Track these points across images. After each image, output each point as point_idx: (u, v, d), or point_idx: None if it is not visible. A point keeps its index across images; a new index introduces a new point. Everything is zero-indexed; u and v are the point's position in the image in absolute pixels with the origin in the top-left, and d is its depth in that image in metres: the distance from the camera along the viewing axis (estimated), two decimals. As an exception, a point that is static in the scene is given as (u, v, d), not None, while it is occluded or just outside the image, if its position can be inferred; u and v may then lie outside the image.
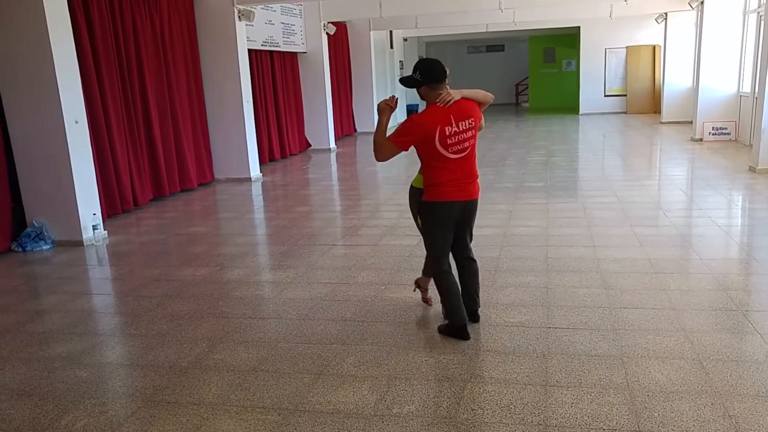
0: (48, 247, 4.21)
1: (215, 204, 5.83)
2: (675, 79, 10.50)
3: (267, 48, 7.85)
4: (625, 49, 12.77)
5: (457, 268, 2.55)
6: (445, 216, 2.37)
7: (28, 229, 4.23)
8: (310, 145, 9.25)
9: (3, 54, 4.05)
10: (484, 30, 11.88)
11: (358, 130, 11.39)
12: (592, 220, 4.30)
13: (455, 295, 2.42)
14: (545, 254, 3.52)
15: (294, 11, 8.60)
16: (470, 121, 2.32)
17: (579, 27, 12.84)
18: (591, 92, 13.09)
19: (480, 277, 3.10)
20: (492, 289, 2.98)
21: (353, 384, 2.13)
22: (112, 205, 5.07)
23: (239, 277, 3.41)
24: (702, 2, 8.28)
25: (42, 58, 3.97)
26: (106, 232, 4.47)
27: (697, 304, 2.71)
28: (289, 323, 2.70)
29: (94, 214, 4.35)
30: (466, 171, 2.36)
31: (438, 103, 2.28)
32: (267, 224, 4.99)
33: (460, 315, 2.42)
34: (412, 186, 2.54)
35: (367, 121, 11.28)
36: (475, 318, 2.57)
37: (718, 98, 8.22)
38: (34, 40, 3.95)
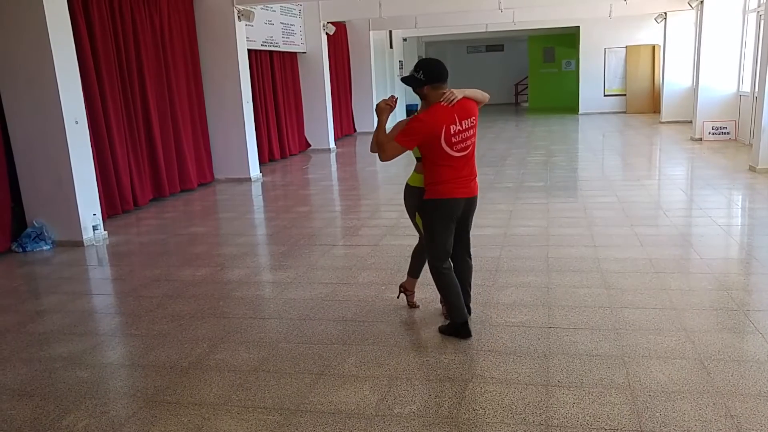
0: (48, 247, 4.21)
1: (215, 204, 5.83)
2: (674, 79, 10.50)
3: (267, 48, 7.85)
4: (624, 49, 12.77)
5: (454, 264, 2.56)
6: (450, 213, 2.39)
7: (29, 230, 4.23)
8: (310, 145, 9.25)
9: (3, 54, 4.04)
10: (484, 30, 11.88)
11: (358, 130, 11.39)
12: (593, 220, 4.30)
13: (456, 294, 2.43)
14: (546, 254, 3.52)
15: (293, 11, 8.60)
16: (472, 119, 2.36)
17: (578, 27, 12.85)
18: (590, 92, 13.09)
19: (481, 277, 3.14)
20: (493, 289, 2.98)
21: (354, 384, 2.13)
22: (112, 206, 5.07)
23: (240, 278, 3.41)
24: (702, 2, 8.29)
25: (42, 58, 3.96)
26: (106, 232, 4.47)
27: (698, 303, 2.71)
28: (289, 323, 2.70)
29: (95, 215, 4.35)
30: (468, 168, 2.40)
31: (442, 102, 2.30)
32: (267, 224, 4.99)
33: (461, 312, 2.44)
34: (408, 185, 2.53)
35: (366, 121, 11.28)
36: (468, 312, 2.59)
37: (718, 98, 8.22)
38: (34, 41, 3.95)
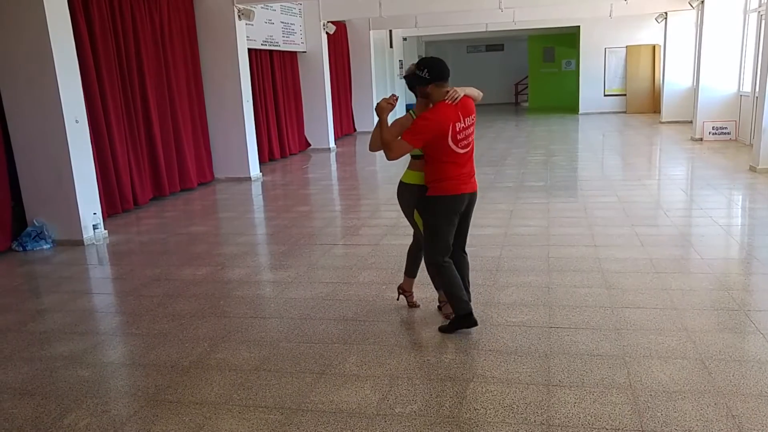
0: (48, 246, 4.21)
1: (215, 203, 5.83)
2: (675, 79, 10.50)
3: (267, 47, 7.84)
4: (624, 49, 12.77)
5: (453, 259, 2.57)
6: (455, 209, 2.43)
7: (29, 229, 4.23)
8: (310, 145, 9.24)
9: (3, 53, 4.04)
10: (484, 29, 11.88)
11: (358, 129, 11.38)
12: (593, 220, 4.30)
13: (458, 286, 2.45)
14: (546, 254, 3.52)
15: (293, 10, 8.59)
16: (472, 117, 2.42)
17: (579, 26, 12.84)
18: (590, 92, 13.09)
19: (481, 277, 3.14)
20: (493, 289, 2.98)
21: (355, 383, 2.13)
22: (112, 205, 5.06)
23: (240, 277, 3.41)
24: (702, 1, 8.28)
25: (42, 57, 3.96)
26: (106, 231, 4.47)
27: (698, 303, 2.71)
28: (290, 323, 2.70)
29: (95, 214, 4.34)
30: (470, 165, 2.46)
31: (446, 101, 2.33)
32: (267, 224, 4.99)
33: (464, 304, 2.45)
34: (404, 183, 2.53)
35: (366, 120, 11.27)
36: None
37: (719, 98, 8.22)
38: (35, 40, 3.94)
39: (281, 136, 8.40)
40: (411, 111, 2.49)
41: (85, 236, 4.24)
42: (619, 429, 1.79)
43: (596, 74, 13.01)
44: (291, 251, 3.89)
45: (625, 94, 12.97)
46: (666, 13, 10.37)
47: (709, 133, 8.18)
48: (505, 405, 1.95)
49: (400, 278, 2.93)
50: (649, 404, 1.91)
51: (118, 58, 5.18)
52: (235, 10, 6.39)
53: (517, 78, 17.40)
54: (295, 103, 8.84)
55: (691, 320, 2.52)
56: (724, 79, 8.21)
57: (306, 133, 9.22)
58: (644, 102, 12.79)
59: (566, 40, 15.13)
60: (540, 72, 15.92)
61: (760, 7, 7.46)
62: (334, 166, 7.96)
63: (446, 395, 2.03)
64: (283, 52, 8.43)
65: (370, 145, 2.49)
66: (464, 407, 1.95)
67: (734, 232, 4.06)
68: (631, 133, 9.69)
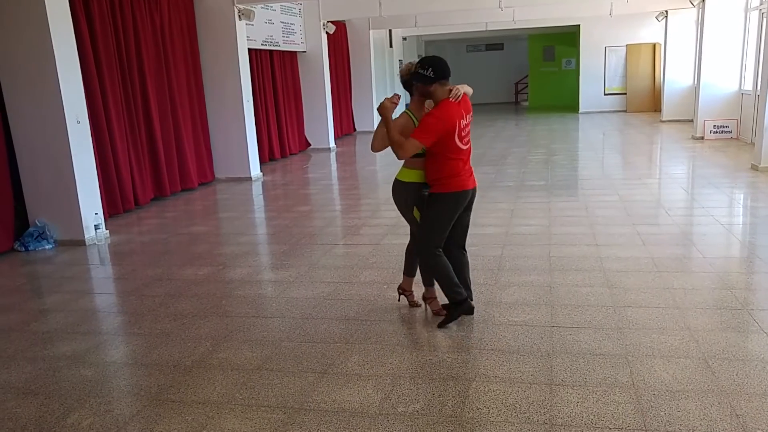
0: (50, 246, 4.21)
1: (216, 203, 5.83)
2: (675, 77, 10.50)
3: (267, 47, 7.84)
4: (625, 48, 12.75)
5: (451, 256, 2.60)
6: (460, 204, 2.48)
7: (31, 229, 4.23)
8: (310, 145, 9.24)
9: (4, 53, 4.04)
10: (484, 29, 11.87)
11: (358, 129, 11.38)
12: (595, 219, 4.30)
13: (451, 275, 2.48)
14: (548, 253, 3.52)
15: (293, 10, 8.59)
16: (471, 113, 2.48)
17: (579, 25, 12.83)
18: (591, 91, 13.08)
19: (483, 276, 3.14)
20: (495, 288, 2.98)
21: (358, 383, 2.13)
22: (113, 205, 5.07)
23: (241, 277, 3.41)
24: (703, 0, 8.27)
25: (43, 57, 3.96)
26: (107, 231, 4.47)
27: (701, 302, 2.71)
28: (292, 322, 2.70)
29: (96, 214, 4.35)
30: (469, 160, 2.51)
31: (451, 99, 2.37)
32: (268, 223, 4.99)
33: (460, 291, 2.49)
34: (401, 182, 2.53)
35: (366, 120, 11.26)
36: (471, 309, 2.62)
37: (720, 96, 8.21)
38: (36, 39, 3.94)
39: (281, 136, 8.40)
40: (407, 111, 2.49)
41: (86, 236, 4.24)
42: (622, 428, 1.79)
43: (596, 73, 13.00)
44: (292, 251, 3.89)
45: (625, 93, 12.96)
46: (666, 11, 10.36)
47: (710, 131, 8.17)
48: (508, 404, 1.95)
49: (401, 278, 2.93)
50: (652, 403, 1.91)
51: (118, 59, 5.18)
52: (236, 10, 6.39)
53: (517, 77, 17.39)
54: (295, 102, 8.83)
55: (693, 319, 2.52)
56: (725, 77, 8.20)
57: (306, 133, 9.22)
58: (645, 101, 12.78)
59: (566, 39, 15.12)
60: (540, 71, 15.91)
61: (761, 5, 7.45)
62: (334, 166, 7.96)
63: (449, 394, 2.03)
64: (283, 51, 8.42)
65: (373, 146, 2.49)
66: (467, 406, 1.95)
67: (736, 230, 4.05)
68: (632, 132, 9.68)
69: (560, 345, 2.33)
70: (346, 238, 4.24)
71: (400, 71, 2.56)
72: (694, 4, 8.58)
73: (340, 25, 10.37)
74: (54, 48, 3.95)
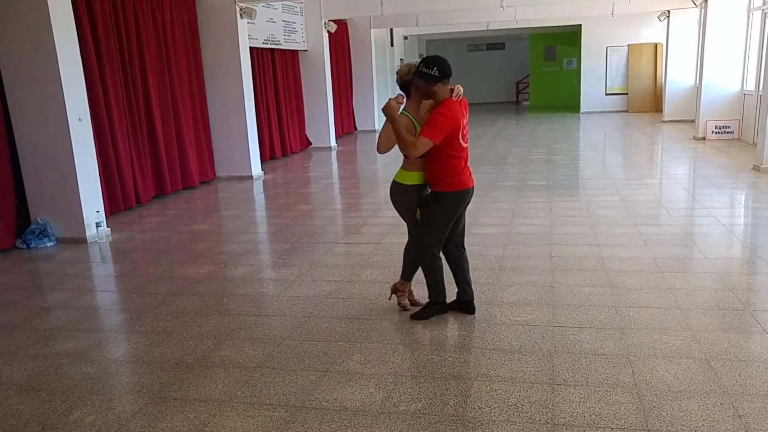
0: (52, 244, 4.21)
1: (217, 202, 5.83)
2: (677, 78, 10.48)
3: (268, 46, 7.83)
4: (626, 47, 12.73)
5: (451, 257, 2.63)
6: (461, 203, 2.52)
7: (32, 226, 4.23)
8: (311, 143, 9.24)
9: (7, 51, 4.04)
10: (485, 28, 11.85)
11: (359, 128, 11.37)
12: (596, 219, 4.29)
13: (443, 278, 2.60)
14: (549, 253, 3.52)
15: (295, 9, 8.58)
16: (468, 113, 2.52)
17: (580, 25, 12.81)
18: (592, 91, 13.07)
19: (484, 276, 3.14)
20: (497, 288, 2.98)
21: (359, 381, 2.13)
22: (114, 203, 5.07)
23: (243, 275, 3.41)
24: (706, 0, 8.25)
25: (46, 55, 3.96)
26: (109, 229, 4.47)
27: (703, 303, 2.71)
28: (293, 320, 2.70)
29: (98, 212, 4.35)
30: (468, 159, 2.55)
31: (453, 97, 2.40)
32: (269, 222, 4.99)
33: (444, 294, 2.63)
34: (402, 184, 2.52)
35: (367, 119, 11.26)
36: (473, 309, 2.64)
37: (722, 96, 8.20)
38: (38, 37, 3.94)
39: (282, 135, 8.40)
40: (404, 112, 2.49)
41: (88, 234, 4.24)
42: (624, 428, 1.79)
43: (598, 73, 12.99)
44: (293, 249, 3.89)
45: (626, 93, 12.95)
46: (668, 11, 10.34)
47: (712, 132, 8.16)
48: (510, 404, 1.95)
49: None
50: (654, 404, 1.91)
51: (120, 57, 5.17)
52: (237, 9, 6.38)
53: (518, 77, 17.37)
54: (296, 101, 8.83)
55: (695, 320, 2.52)
56: (727, 77, 8.19)
57: (307, 132, 9.21)
58: (646, 101, 12.76)
59: (568, 38, 15.10)
60: (541, 71, 15.89)
61: (764, 5, 7.44)
62: (335, 165, 7.95)
63: (450, 394, 2.03)
64: (285, 50, 8.42)
65: (379, 147, 2.48)
66: (469, 406, 1.95)
67: (738, 231, 4.04)
68: (633, 132, 9.67)
69: (562, 345, 2.33)
70: (347, 236, 4.24)
71: (397, 71, 2.54)
72: (697, 4, 8.56)
73: (342, 24, 10.36)
74: (56, 46, 3.95)
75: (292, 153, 8.65)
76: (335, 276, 3.32)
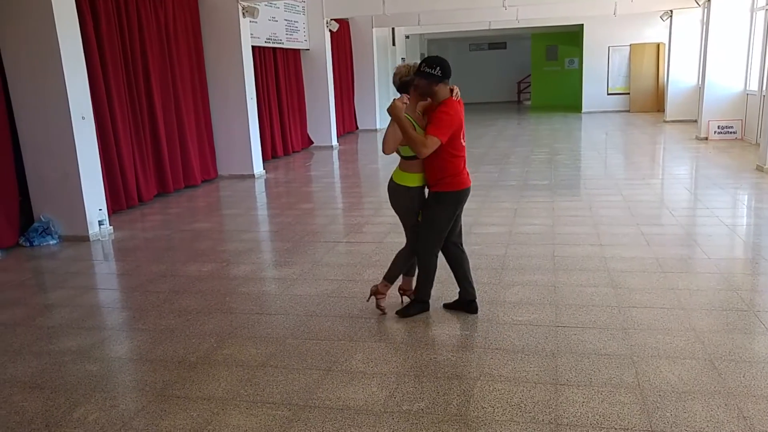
0: (55, 242, 4.22)
1: (219, 200, 5.83)
2: (680, 77, 10.46)
3: (270, 45, 7.83)
4: (628, 47, 12.71)
5: (451, 256, 2.65)
6: (461, 202, 2.55)
7: (35, 224, 4.24)
8: (313, 142, 9.24)
9: (11, 49, 4.04)
10: (487, 27, 11.83)
11: (360, 127, 11.37)
12: (598, 219, 4.29)
13: (434, 278, 2.64)
14: (552, 252, 3.51)
15: (297, 8, 8.57)
16: (463, 113, 2.55)
17: (582, 25, 12.79)
18: (594, 90, 13.05)
19: (487, 276, 3.13)
20: (499, 288, 2.98)
21: (362, 380, 2.13)
22: (116, 201, 5.07)
23: (245, 273, 3.42)
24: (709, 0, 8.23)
25: (49, 53, 3.96)
26: (111, 227, 4.47)
27: (707, 303, 2.70)
28: (296, 319, 2.70)
29: (100, 210, 4.35)
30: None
31: (453, 97, 2.43)
32: (271, 221, 4.99)
33: (430, 291, 2.67)
34: (403, 186, 2.52)
35: (369, 118, 11.25)
36: (476, 308, 2.66)
37: (725, 96, 8.18)
38: (42, 36, 3.95)
39: (284, 134, 8.40)
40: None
41: (90, 232, 4.25)
42: (628, 429, 1.79)
43: (599, 73, 12.96)
44: (295, 248, 3.89)
45: (628, 93, 12.92)
46: (671, 11, 10.31)
47: (715, 132, 8.14)
48: (513, 404, 1.95)
49: (401, 279, 2.92)
50: (658, 404, 1.91)
51: (123, 55, 5.18)
52: (240, 8, 6.38)
53: (520, 76, 17.34)
54: (298, 100, 8.83)
55: (699, 320, 2.51)
56: (730, 77, 8.16)
57: (309, 131, 9.21)
58: (648, 101, 12.73)
59: (569, 38, 15.07)
60: (543, 70, 15.87)
61: (767, 4, 7.40)
62: (336, 164, 7.95)
63: (453, 393, 2.03)
64: (287, 49, 8.41)
65: (385, 148, 2.47)
66: (472, 405, 1.95)
67: (741, 232, 4.04)
68: (635, 132, 9.65)
69: (565, 345, 2.33)
70: (348, 235, 4.24)
71: (395, 72, 2.52)
72: (700, 3, 8.54)
73: (344, 23, 10.35)
74: (60, 44, 3.95)
75: (293, 152, 8.65)
76: (337, 275, 3.32)
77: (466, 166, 2.54)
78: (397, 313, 2.66)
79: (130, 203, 5.24)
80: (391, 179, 2.58)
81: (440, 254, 2.62)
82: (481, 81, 16.94)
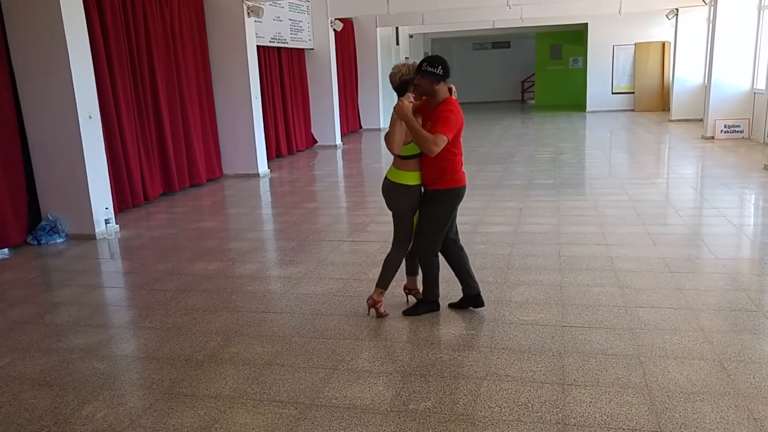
0: (62, 240, 4.25)
1: (224, 199, 5.85)
2: (685, 76, 10.39)
3: (275, 44, 7.84)
4: (633, 46, 12.63)
5: (450, 254, 2.65)
6: (459, 200, 2.57)
7: (43, 223, 4.27)
8: (317, 142, 9.25)
9: (19, 49, 4.07)
10: (491, 27, 11.80)
11: (364, 126, 11.37)
12: (604, 218, 4.27)
13: (438, 275, 2.64)
14: (558, 252, 3.50)
15: (301, 8, 8.58)
16: None
17: (587, 23, 12.72)
18: (598, 89, 12.99)
19: (492, 275, 3.13)
20: (504, 287, 2.97)
21: (368, 379, 2.13)
22: (123, 200, 5.10)
23: (251, 272, 3.42)
24: (715, -2, 8.17)
25: (57, 53, 3.99)
26: (117, 226, 4.50)
27: (714, 304, 2.68)
28: (302, 318, 2.71)
29: (107, 208, 4.38)
30: None
31: (452, 96, 2.46)
32: (276, 220, 5.00)
33: (438, 294, 2.68)
34: (402, 185, 2.51)
35: (372, 117, 11.25)
36: (482, 302, 2.67)
37: (731, 95, 8.12)
38: (50, 36, 3.97)
39: (288, 133, 8.41)
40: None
41: (97, 230, 4.28)
42: (636, 429, 1.78)
43: (604, 72, 12.90)
44: (300, 247, 3.90)
45: (633, 92, 12.85)
46: (677, 9, 10.24)
47: (721, 131, 8.08)
48: (520, 403, 1.94)
49: (405, 278, 2.92)
50: (666, 405, 1.90)
51: (129, 55, 5.20)
52: (244, 7, 6.39)
53: (524, 75, 17.28)
54: (302, 99, 8.84)
55: (707, 320, 2.50)
56: (737, 76, 8.11)
57: (313, 130, 9.22)
58: (653, 100, 12.66)
59: (574, 37, 14.99)
60: (547, 69, 15.80)
61: (774, 4, 7.33)
62: (340, 163, 7.95)
63: (460, 393, 2.03)
64: (291, 49, 8.43)
65: (393, 147, 2.47)
66: (478, 405, 1.94)
67: (748, 231, 4.00)
68: (640, 131, 9.60)
69: (572, 345, 2.32)
70: (353, 235, 4.24)
71: (395, 72, 2.50)
72: (706, 2, 8.47)
73: (348, 23, 10.35)
74: (67, 44, 3.97)
75: (297, 151, 8.66)
76: (342, 274, 3.32)
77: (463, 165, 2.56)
78: (404, 312, 2.66)
79: (136, 202, 5.27)
80: (387, 178, 2.58)
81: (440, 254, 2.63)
82: (484, 80, 16.89)
